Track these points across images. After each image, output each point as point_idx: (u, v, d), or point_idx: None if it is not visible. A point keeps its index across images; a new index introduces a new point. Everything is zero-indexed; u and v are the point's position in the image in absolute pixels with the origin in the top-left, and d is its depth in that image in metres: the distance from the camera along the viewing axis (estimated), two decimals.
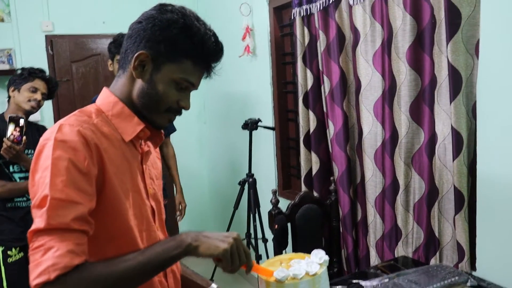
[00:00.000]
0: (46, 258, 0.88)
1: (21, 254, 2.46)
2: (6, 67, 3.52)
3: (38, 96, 2.52)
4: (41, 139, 0.99)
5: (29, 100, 2.49)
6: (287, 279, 1.06)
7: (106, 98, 1.11)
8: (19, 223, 2.46)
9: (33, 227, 0.91)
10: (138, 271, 0.96)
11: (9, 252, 2.43)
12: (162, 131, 1.20)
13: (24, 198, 2.52)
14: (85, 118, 1.04)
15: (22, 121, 2.36)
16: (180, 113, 1.13)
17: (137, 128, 1.09)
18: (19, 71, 2.58)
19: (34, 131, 2.63)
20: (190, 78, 1.08)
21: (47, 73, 2.65)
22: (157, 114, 1.10)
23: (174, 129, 3.28)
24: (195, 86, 1.11)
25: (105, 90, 1.13)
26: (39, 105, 2.55)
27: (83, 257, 0.92)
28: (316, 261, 1.11)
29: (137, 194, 1.10)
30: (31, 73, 2.54)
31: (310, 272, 1.07)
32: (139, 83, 1.08)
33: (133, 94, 1.09)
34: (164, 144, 3.24)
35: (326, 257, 1.13)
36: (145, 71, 1.06)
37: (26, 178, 2.52)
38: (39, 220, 0.91)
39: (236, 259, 1.00)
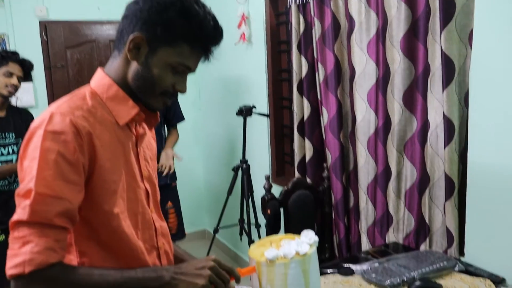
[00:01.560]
0: (24, 251, 0.90)
1: (3, 236, 2.49)
2: None
3: (14, 80, 2.54)
4: (32, 126, 0.99)
5: (6, 86, 2.51)
6: (277, 259, 1.08)
7: (100, 79, 1.10)
8: (1, 207, 2.48)
9: (15, 217, 0.93)
10: None
11: None
12: (158, 112, 1.19)
13: (6, 182, 2.55)
14: (79, 103, 1.03)
15: None
16: (176, 97, 1.13)
17: (131, 111, 1.08)
18: None
19: (16, 115, 2.66)
20: (187, 62, 1.07)
21: (20, 55, 2.64)
22: (152, 97, 1.09)
23: (182, 118, 3.29)
24: (192, 70, 1.10)
25: (99, 71, 1.12)
26: (16, 89, 2.58)
27: (60, 254, 0.94)
28: (306, 241, 1.13)
29: (131, 177, 1.10)
30: (4, 57, 2.54)
31: (300, 252, 1.09)
32: (134, 66, 1.06)
33: (128, 76, 1.07)
34: (171, 132, 3.25)
35: (316, 238, 1.14)
36: (140, 53, 1.04)
37: (7, 161, 2.54)
38: (21, 212, 0.92)
39: (220, 285, 1.03)
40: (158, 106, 1.11)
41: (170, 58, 1.04)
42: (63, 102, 1.03)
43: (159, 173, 3.07)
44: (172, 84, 1.08)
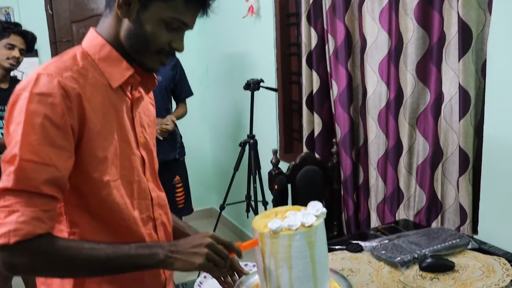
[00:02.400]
0: (9, 221, 0.86)
1: None
2: None
3: (16, 53, 2.47)
4: (17, 88, 0.93)
5: (8, 58, 2.45)
6: (281, 230, 1.02)
7: (92, 39, 1.03)
8: None
9: (0, 185, 0.88)
10: (102, 264, 0.93)
11: None
12: (155, 75, 1.13)
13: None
14: (68, 63, 0.97)
15: None
16: (173, 55, 1.07)
17: (125, 73, 1.02)
18: None
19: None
20: (182, 17, 0.99)
21: (23, 27, 2.56)
22: (147, 56, 1.02)
23: (191, 93, 3.23)
24: (188, 26, 1.02)
25: (91, 31, 1.05)
26: (18, 62, 2.51)
27: (48, 225, 0.89)
28: (313, 213, 1.07)
29: (126, 143, 1.05)
30: (6, 28, 2.46)
31: (305, 224, 1.03)
32: (125, 23, 0.99)
33: (121, 35, 1.01)
34: (179, 107, 3.19)
35: (324, 209, 1.08)
36: (131, 10, 0.97)
37: None
38: (6, 179, 0.87)
39: (219, 262, 0.98)
40: (155, 66, 1.05)
41: (163, 13, 0.97)
42: (50, 63, 0.97)
43: (168, 149, 3.02)
44: (167, 41, 1.01)
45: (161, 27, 0.99)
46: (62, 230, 1.00)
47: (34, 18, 3.57)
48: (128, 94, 1.08)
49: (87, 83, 0.96)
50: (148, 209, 1.11)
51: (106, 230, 1.02)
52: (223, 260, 0.99)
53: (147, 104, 1.18)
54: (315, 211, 1.08)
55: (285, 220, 1.04)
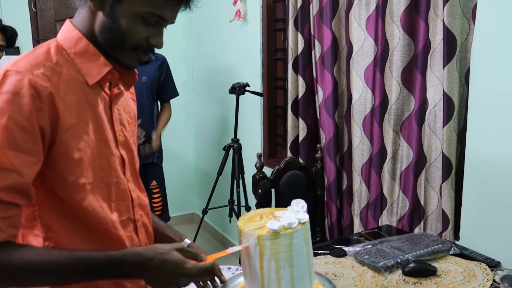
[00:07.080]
0: None
1: None
2: None
3: None
4: None
5: None
6: (281, 229, 1.02)
7: (68, 32, 0.96)
8: None
9: None
10: (58, 272, 0.88)
11: None
12: (136, 70, 1.06)
13: None
14: (40, 59, 0.90)
15: None
16: (152, 52, 0.99)
17: (103, 69, 0.96)
18: None
19: None
20: (159, 12, 0.92)
21: (3, 21, 2.47)
22: (123, 53, 0.95)
23: (176, 94, 3.20)
24: (167, 20, 0.95)
25: (67, 23, 0.98)
26: None
27: (7, 233, 0.83)
28: (299, 209, 1.08)
29: (104, 143, 0.99)
30: None
31: (301, 220, 1.04)
32: (100, 17, 0.93)
33: (95, 28, 0.94)
34: (163, 108, 3.16)
35: (305, 204, 1.10)
36: (104, 2, 0.91)
37: None
38: None
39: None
40: (131, 63, 0.98)
41: (138, 7, 0.90)
42: (22, 58, 0.90)
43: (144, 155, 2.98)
44: (144, 37, 0.94)
45: (137, 22, 0.92)
46: (37, 236, 0.94)
47: (17, 15, 3.51)
48: (107, 90, 1.02)
49: (61, 80, 0.90)
50: (128, 210, 1.06)
51: (83, 234, 0.96)
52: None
53: (127, 99, 1.12)
54: (300, 207, 1.09)
55: (281, 219, 1.05)
